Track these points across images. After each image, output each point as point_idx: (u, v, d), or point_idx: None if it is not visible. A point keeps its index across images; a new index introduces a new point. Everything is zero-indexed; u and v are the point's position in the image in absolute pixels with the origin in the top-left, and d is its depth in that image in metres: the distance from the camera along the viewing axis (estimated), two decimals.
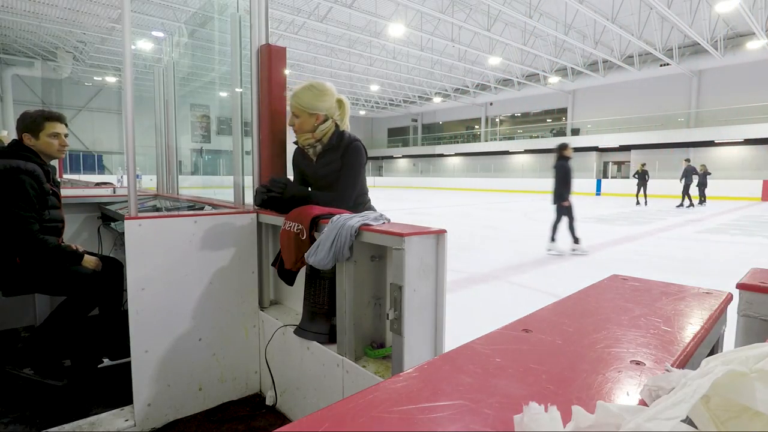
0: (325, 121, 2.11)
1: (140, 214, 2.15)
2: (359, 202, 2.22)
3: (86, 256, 2.54)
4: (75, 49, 22.45)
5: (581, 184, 26.24)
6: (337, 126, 2.15)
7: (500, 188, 29.22)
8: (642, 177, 17.53)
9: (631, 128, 25.32)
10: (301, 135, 2.13)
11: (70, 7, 17.06)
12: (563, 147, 7.51)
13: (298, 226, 1.96)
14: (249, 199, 2.57)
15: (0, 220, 2.32)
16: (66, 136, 2.64)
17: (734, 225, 11.19)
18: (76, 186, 5.34)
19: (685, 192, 16.43)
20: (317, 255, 1.75)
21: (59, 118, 2.59)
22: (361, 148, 2.15)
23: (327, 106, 2.10)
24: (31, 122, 2.52)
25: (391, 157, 40.15)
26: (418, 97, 33.52)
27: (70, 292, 2.44)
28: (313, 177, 2.22)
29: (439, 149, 36.27)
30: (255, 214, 2.42)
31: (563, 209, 7.30)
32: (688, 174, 16.35)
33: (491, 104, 33.19)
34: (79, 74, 25.66)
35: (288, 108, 2.15)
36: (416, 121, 39.33)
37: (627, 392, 0.54)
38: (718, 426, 0.44)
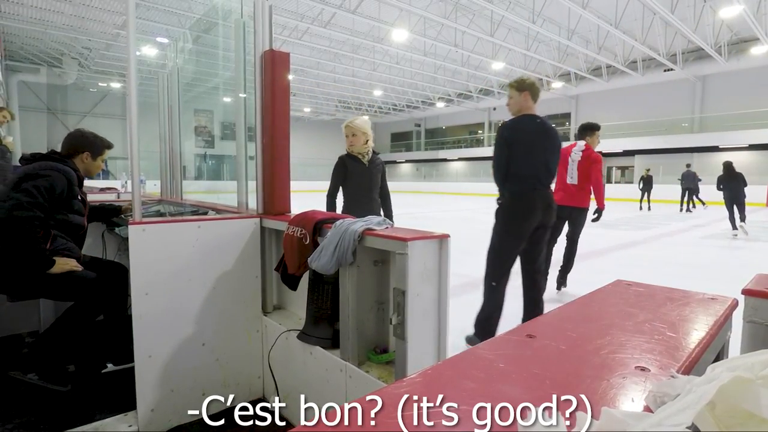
0: (367, 141, 3.28)
1: (144, 219, 2.16)
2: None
3: (58, 261, 2.36)
4: (80, 56, 22.59)
5: None
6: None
7: None
8: (647, 182, 17.48)
9: (634, 133, 25.25)
10: (360, 147, 3.26)
11: (75, 14, 17.18)
12: (731, 163, 10.64)
13: (301, 230, 1.96)
14: (252, 203, 2.58)
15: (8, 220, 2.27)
16: None
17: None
18: None
19: (684, 197, 16.48)
20: (320, 260, 1.75)
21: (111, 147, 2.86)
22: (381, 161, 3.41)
23: (370, 132, 3.31)
24: (94, 145, 2.72)
25: (394, 162, 40.14)
26: (422, 101, 33.54)
27: (76, 298, 2.44)
28: (367, 174, 3.29)
29: (442, 154, 36.24)
30: (258, 219, 2.43)
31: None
32: (687, 179, 16.37)
33: (494, 109, 33.15)
34: (84, 80, 25.79)
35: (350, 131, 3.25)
36: (419, 125, 39.34)
37: (632, 398, 0.54)
38: None
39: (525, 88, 3.15)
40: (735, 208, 10.35)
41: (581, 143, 4.88)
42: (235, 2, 2.70)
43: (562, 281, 5.03)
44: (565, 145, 4.37)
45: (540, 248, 3.33)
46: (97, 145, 2.74)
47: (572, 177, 4.74)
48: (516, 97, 3.20)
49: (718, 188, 10.72)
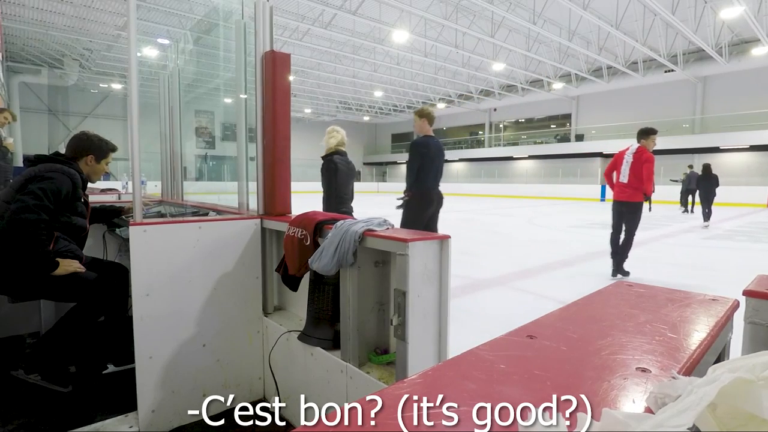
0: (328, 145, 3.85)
1: (145, 220, 2.16)
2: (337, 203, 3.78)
3: (61, 263, 2.37)
4: (81, 57, 22.61)
5: (585, 190, 26.21)
6: (337, 149, 3.84)
7: (504, 194, 29.14)
8: None
9: (635, 134, 25.21)
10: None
11: (76, 15, 17.20)
12: (709, 165, 12.84)
13: (302, 231, 1.96)
14: (253, 204, 2.58)
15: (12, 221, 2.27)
16: None
17: (740, 231, 11.12)
18: None
19: (687, 198, 16.57)
20: (321, 260, 1.75)
21: (115, 150, 2.84)
22: (329, 163, 3.78)
23: (329, 136, 3.88)
24: (99, 149, 2.70)
25: (395, 163, 40.16)
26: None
27: (78, 299, 2.45)
28: None
29: None
30: (259, 220, 2.43)
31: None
32: (691, 180, 16.43)
33: (495, 110, 33.18)
34: (85, 81, 25.81)
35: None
36: None
37: (633, 399, 0.54)
38: None
39: (423, 115, 4.34)
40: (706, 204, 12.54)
41: (635, 146, 5.63)
42: (236, 3, 2.70)
43: (617, 269, 5.70)
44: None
45: (434, 227, 4.56)
46: (102, 148, 2.72)
47: (624, 176, 5.54)
48: (418, 122, 4.36)
49: (696, 186, 13.15)
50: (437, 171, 4.48)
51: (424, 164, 4.33)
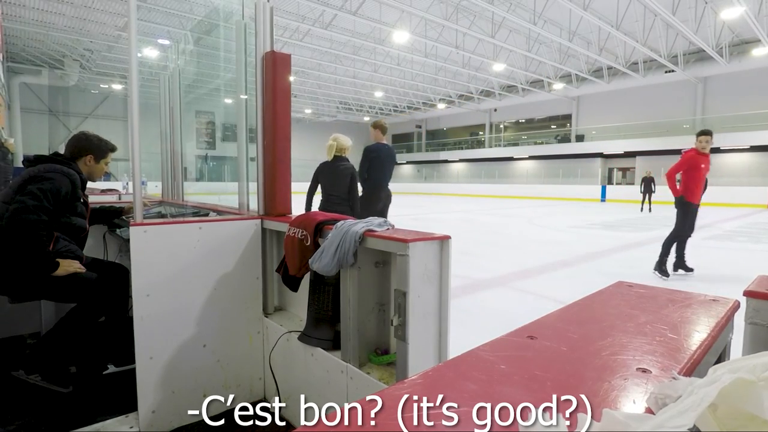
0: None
1: (145, 221, 2.16)
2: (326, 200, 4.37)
3: (61, 263, 2.36)
4: (82, 57, 22.63)
5: (585, 190, 26.21)
6: (335, 155, 4.37)
7: (504, 194, 29.16)
8: (648, 184, 17.48)
9: (636, 135, 25.26)
10: None
11: (77, 16, 17.22)
12: None
13: (302, 231, 1.96)
14: (253, 205, 2.58)
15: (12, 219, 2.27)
16: None
17: (740, 232, 11.12)
18: None
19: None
20: (321, 261, 1.75)
21: (114, 150, 2.84)
22: (316, 169, 4.43)
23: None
24: (99, 149, 2.70)
25: (396, 163, 40.26)
26: (423, 103, 33.55)
27: (78, 299, 2.45)
28: None
29: (443, 155, 36.25)
30: (259, 220, 2.43)
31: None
32: None
33: (495, 110, 33.18)
34: (85, 82, 25.82)
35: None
36: (420, 127, 39.39)
37: (633, 400, 0.54)
38: None
39: (377, 127, 5.21)
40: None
41: (687, 148, 5.98)
42: (236, 4, 2.70)
43: (658, 266, 6.10)
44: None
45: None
46: (101, 148, 2.72)
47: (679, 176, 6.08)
48: (372, 132, 5.25)
49: None
50: (387, 173, 5.24)
51: (373, 166, 5.10)
